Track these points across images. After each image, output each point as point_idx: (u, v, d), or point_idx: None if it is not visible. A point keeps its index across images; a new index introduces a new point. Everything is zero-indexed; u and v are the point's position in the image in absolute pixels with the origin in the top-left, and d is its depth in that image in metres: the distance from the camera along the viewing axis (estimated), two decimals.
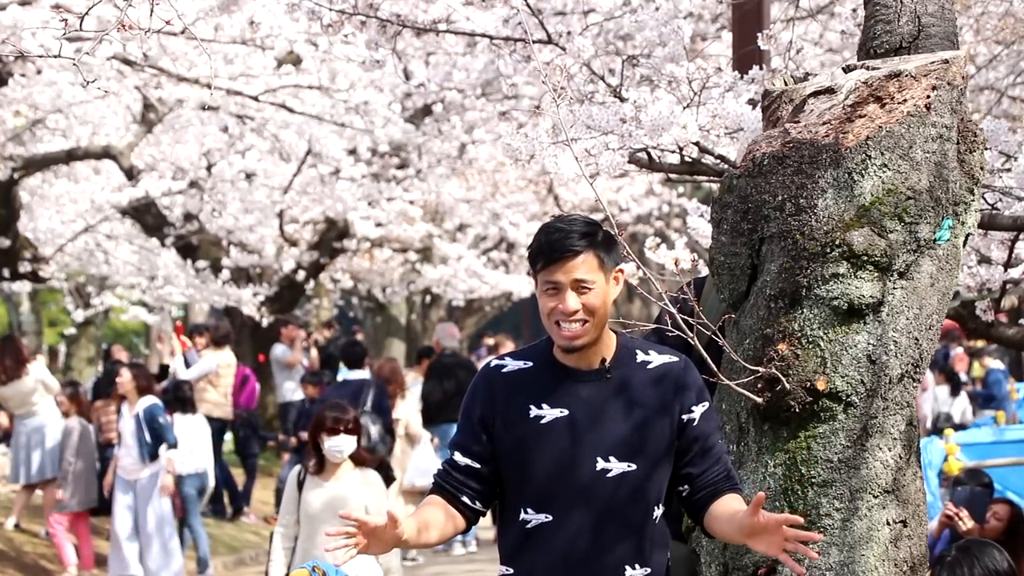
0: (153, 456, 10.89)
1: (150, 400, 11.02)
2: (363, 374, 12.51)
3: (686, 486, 3.72)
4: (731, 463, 3.81)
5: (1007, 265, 5.81)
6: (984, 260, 6.00)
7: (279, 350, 16.67)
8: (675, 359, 3.76)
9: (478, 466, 3.72)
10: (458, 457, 3.74)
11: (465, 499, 3.71)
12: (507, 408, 3.71)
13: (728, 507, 3.66)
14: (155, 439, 10.88)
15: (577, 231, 3.65)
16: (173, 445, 11.02)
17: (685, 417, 3.70)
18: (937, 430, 12.29)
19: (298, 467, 7.29)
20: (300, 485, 7.12)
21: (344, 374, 22.48)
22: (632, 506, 3.66)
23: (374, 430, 11.98)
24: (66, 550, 11.61)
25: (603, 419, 3.67)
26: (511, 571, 3.73)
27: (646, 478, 3.67)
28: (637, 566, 3.67)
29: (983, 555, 5.00)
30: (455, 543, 13.74)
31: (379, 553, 3.62)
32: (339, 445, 7.00)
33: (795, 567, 3.56)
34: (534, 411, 3.69)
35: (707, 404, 3.75)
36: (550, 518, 3.67)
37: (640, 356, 3.74)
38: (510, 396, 3.71)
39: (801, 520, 3.48)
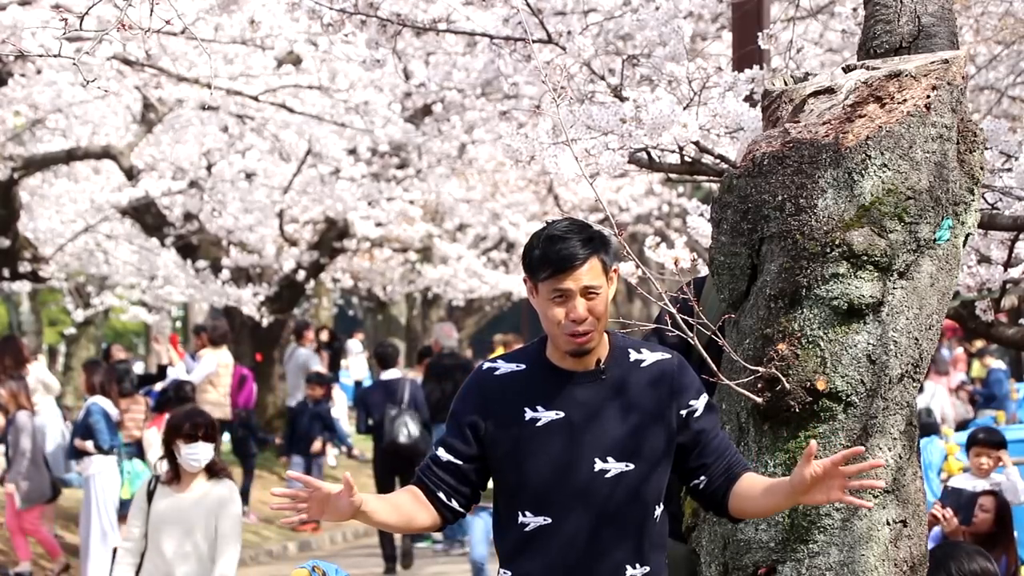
0: (74, 456, 10.88)
1: (92, 400, 11.02)
2: (395, 373, 12.66)
3: (703, 477, 3.71)
4: (736, 449, 3.82)
5: (1007, 265, 5.81)
6: (984, 260, 5.99)
7: (305, 355, 16.66)
8: (668, 356, 3.76)
9: (460, 463, 3.70)
10: (441, 453, 3.72)
11: (442, 495, 3.70)
12: (501, 411, 3.70)
13: (755, 483, 3.66)
14: (86, 439, 10.85)
15: (579, 238, 3.64)
16: (100, 447, 10.91)
17: (685, 412, 3.70)
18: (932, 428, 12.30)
19: (150, 476, 6.85)
20: (150, 496, 6.58)
21: (345, 375, 22.42)
22: (631, 506, 3.66)
23: (413, 427, 12.08)
24: (49, 543, 11.60)
25: (599, 420, 3.67)
26: (510, 574, 3.72)
27: (644, 478, 3.67)
28: (637, 565, 3.67)
29: (963, 559, 4.96)
30: (455, 543, 13.75)
31: (334, 520, 3.56)
32: (196, 453, 6.46)
33: (860, 503, 3.54)
34: (529, 414, 3.68)
35: (706, 396, 3.76)
36: (549, 520, 3.67)
37: (633, 355, 3.74)
38: (504, 399, 3.71)
39: (862, 449, 3.50)
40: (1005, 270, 5.82)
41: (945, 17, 4.49)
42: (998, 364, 18.20)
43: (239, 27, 11.90)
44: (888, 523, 4.10)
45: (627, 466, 3.66)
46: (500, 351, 21.19)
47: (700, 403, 3.73)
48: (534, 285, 3.67)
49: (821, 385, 4.05)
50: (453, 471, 3.71)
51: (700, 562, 4.30)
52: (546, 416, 3.68)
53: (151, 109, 14.70)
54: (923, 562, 4.20)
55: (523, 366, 3.75)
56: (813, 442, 3.47)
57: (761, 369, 4.06)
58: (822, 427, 4.09)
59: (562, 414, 3.68)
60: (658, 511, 3.71)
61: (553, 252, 3.62)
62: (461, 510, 3.74)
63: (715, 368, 4.08)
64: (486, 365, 3.80)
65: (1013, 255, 5.76)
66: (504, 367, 3.76)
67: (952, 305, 6.02)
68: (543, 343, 3.75)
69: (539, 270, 3.64)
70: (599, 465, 3.65)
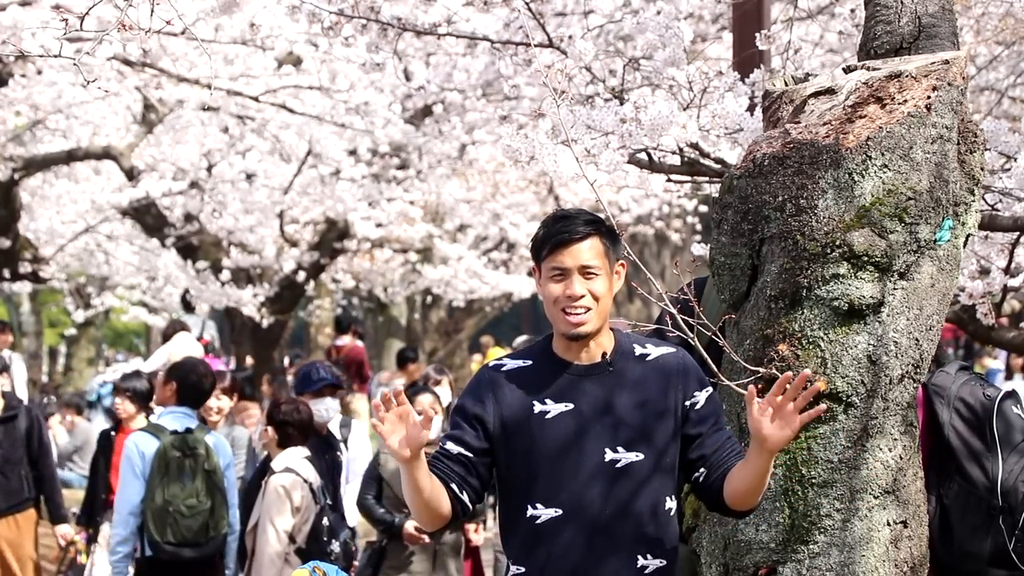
0: None
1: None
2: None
3: (702, 469, 3.72)
4: (740, 445, 3.80)
5: (1007, 269, 5.80)
6: (984, 272, 5.99)
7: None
8: (672, 350, 3.81)
9: (470, 455, 3.72)
10: (451, 446, 3.73)
11: (454, 487, 3.70)
12: (510, 407, 3.72)
13: (739, 463, 3.66)
14: None
15: (582, 218, 3.72)
16: None
17: (688, 403, 3.74)
18: None
19: None
20: None
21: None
22: (641, 496, 3.68)
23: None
24: None
25: (608, 411, 3.69)
26: (522, 570, 3.73)
27: (653, 468, 3.69)
28: (649, 556, 3.68)
29: None
30: None
31: (400, 447, 3.50)
32: None
33: (815, 412, 3.53)
34: (539, 407, 3.71)
35: (710, 389, 3.79)
36: (560, 512, 3.68)
37: (639, 349, 3.78)
38: (512, 395, 3.73)
39: (789, 375, 3.50)
40: (1006, 274, 5.82)
41: (946, 18, 4.50)
42: (997, 364, 18.21)
43: (239, 28, 11.90)
44: (888, 524, 4.10)
45: (637, 456, 3.68)
46: (491, 352, 21.25)
47: (702, 396, 3.76)
48: (538, 268, 3.70)
49: (822, 386, 4.05)
50: (464, 463, 3.72)
51: (700, 562, 4.30)
52: (555, 409, 3.70)
53: (151, 110, 14.70)
54: (923, 563, 4.20)
55: (530, 362, 3.78)
56: (751, 387, 3.51)
57: (762, 369, 4.07)
58: (823, 428, 4.09)
59: (571, 406, 3.70)
60: (669, 504, 3.72)
61: (554, 229, 3.70)
62: (469, 505, 3.74)
63: (715, 368, 4.08)
64: (492, 363, 3.83)
65: (1013, 261, 5.76)
66: (510, 364, 3.79)
67: (952, 308, 6.02)
68: (548, 340, 3.79)
69: (541, 248, 3.71)
70: (609, 455, 3.67)
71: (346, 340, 17.03)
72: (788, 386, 3.50)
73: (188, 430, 7.27)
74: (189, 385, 7.45)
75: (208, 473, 7.20)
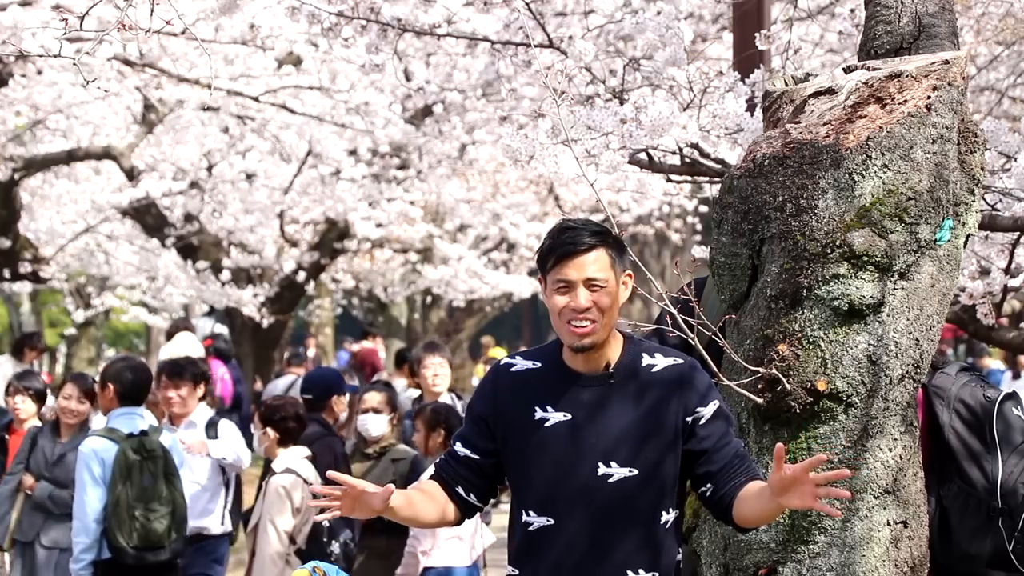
0: None
1: None
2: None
3: (708, 485, 3.67)
4: (752, 459, 3.75)
5: (1007, 269, 5.79)
6: (984, 272, 5.98)
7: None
8: (680, 361, 3.74)
9: (477, 458, 3.74)
10: (458, 448, 3.77)
11: (460, 489, 3.74)
12: (513, 409, 3.72)
13: (752, 488, 3.59)
14: None
15: (588, 230, 3.68)
16: None
17: (691, 418, 3.68)
18: None
19: None
20: None
21: None
22: (634, 511, 3.65)
23: None
24: None
25: (604, 424, 3.66)
26: (516, 572, 3.74)
27: (648, 483, 3.65)
28: (641, 571, 3.65)
29: None
30: None
31: (361, 517, 3.59)
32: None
33: (830, 511, 3.50)
34: (539, 413, 3.70)
35: (716, 403, 3.71)
36: (551, 521, 3.67)
37: (646, 359, 3.73)
38: (516, 396, 3.73)
39: (825, 457, 3.39)
40: (1006, 274, 5.81)
41: (946, 17, 4.50)
42: (997, 365, 18.21)
43: (239, 28, 11.90)
44: (889, 524, 4.10)
45: (630, 471, 3.64)
46: (491, 352, 21.24)
47: (708, 410, 3.69)
48: (544, 279, 3.69)
49: (822, 386, 4.05)
50: (470, 465, 3.75)
51: (701, 562, 4.30)
52: (554, 417, 3.69)
53: (152, 110, 14.71)
54: (923, 563, 4.20)
55: (539, 364, 3.76)
56: (780, 445, 3.42)
57: (762, 370, 4.07)
58: (823, 428, 4.09)
59: (569, 416, 3.68)
60: (665, 517, 3.68)
61: (560, 241, 3.67)
62: (479, 504, 3.76)
63: (715, 369, 4.08)
64: (504, 360, 3.82)
65: (1014, 261, 5.75)
66: (521, 364, 3.78)
67: (953, 308, 6.02)
68: (560, 343, 3.76)
69: (546, 259, 3.68)
70: (602, 469, 3.65)
71: (364, 344, 17.14)
72: (820, 470, 3.42)
73: (143, 432, 7.19)
74: (126, 384, 7.32)
75: (167, 476, 7.17)
